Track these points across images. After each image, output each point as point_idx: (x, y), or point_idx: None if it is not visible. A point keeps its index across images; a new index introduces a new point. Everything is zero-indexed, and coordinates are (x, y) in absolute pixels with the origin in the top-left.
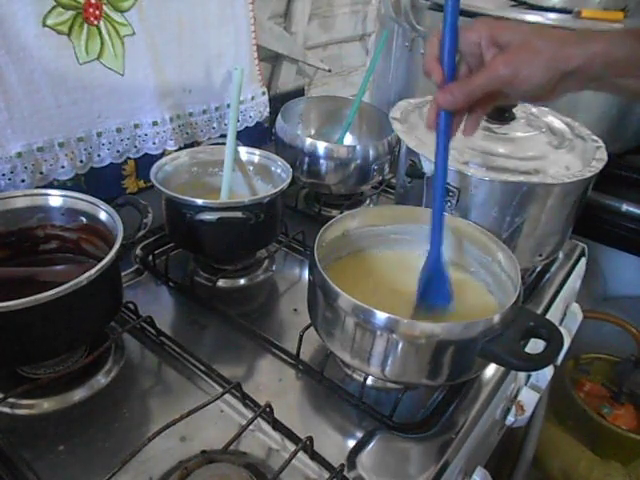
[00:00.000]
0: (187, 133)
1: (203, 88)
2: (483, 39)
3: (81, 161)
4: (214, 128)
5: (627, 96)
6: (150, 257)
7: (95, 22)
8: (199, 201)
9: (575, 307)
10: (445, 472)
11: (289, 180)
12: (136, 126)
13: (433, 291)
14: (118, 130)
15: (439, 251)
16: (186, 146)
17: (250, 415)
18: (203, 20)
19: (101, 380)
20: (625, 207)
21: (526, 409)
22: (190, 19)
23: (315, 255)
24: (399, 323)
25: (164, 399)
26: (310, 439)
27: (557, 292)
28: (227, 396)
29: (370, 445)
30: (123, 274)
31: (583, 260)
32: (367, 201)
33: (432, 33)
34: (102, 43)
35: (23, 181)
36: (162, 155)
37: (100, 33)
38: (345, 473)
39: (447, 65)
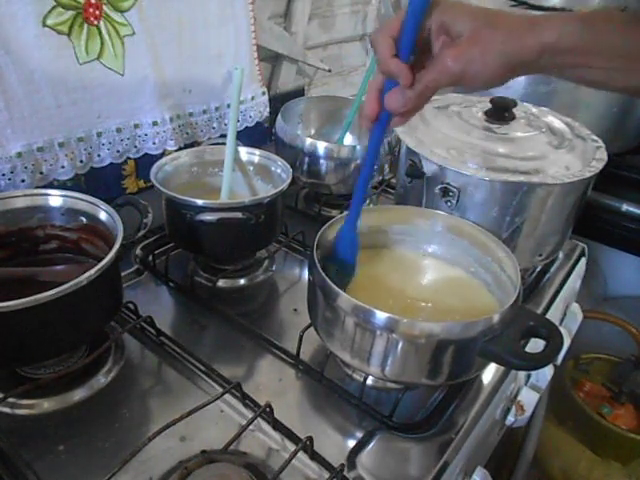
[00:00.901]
0: (187, 133)
1: (203, 88)
2: (433, 24)
3: (81, 161)
4: (214, 128)
5: (585, 85)
6: (150, 257)
7: (95, 22)
8: (199, 201)
9: (575, 307)
10: (445, 472)
11: (289, 180)
12: (136, 126)
13: (343, 249)
14: (118, 130)
15: (353, 224)
16: (186, 146)
17: (250, 415)
18: (203, 20)
19: (101, 380)
20: (625, 207)
21: (526, 409)
22: (190, 19)
23: (315, 255)
24: (399, 323)
25: (164, 399)
26: (310, 439)
27: (557, 292)
28: (227, 396)
29: (370, 445)
30: (123, 274)
31: (583, 260)
32: (367, 201)
33: (382, 28)
34: (102, 43)
35: (23, 181)
36: (162, 155)
37: (100, 33)
38: (345, 473)
39: (405, 43)
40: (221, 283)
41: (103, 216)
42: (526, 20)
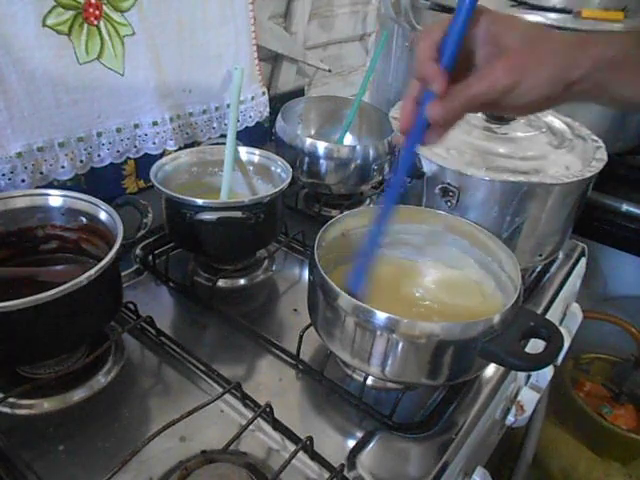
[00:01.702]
0: (187, 133)
1: (203, 88)
2: (481, 33)
3: (81, 161)
4: (214, 128)
5: (620, 106)
6: (150, 257)
7: (95, 22)
8: (199, 201)
9: (575, 307)
10: (445, 472)
11: (289, 180)
12: (136, 126)
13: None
14: (118, 130)
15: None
16: (186, 146)
17: (250, 415)
18: (203, 20)
19: (101, 380)
20: (625, 207)
21: (526, 409)
22: (190, 19)
23: (315, 255)
24: (399, 323)
25: (164, 399)
26: (310, 439)
27: (557, 292)
28: (227, 396)
29: (370, 445)
30: (123, 274)
31: (583, 260)
32: (367, 201)
33: (426, 31)
34: (102, 43)
35: (23, 181)
36: (162, 155)
37: (100, 33)
38: (345, 473)
39: (446, 66)
40: (221, 283)
41: (103, 216)
42: (577, 37)
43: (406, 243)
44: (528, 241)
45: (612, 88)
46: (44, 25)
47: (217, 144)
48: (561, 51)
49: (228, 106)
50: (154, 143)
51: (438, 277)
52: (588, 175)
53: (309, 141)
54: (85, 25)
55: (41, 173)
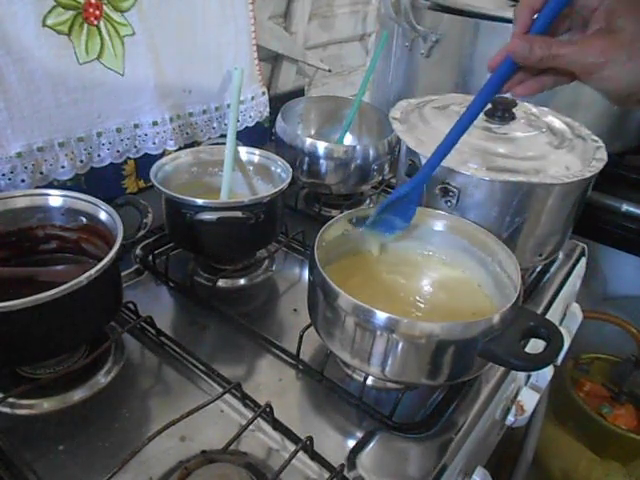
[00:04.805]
0: (187, 133)
1: (203, 88)
2: (602, 6)
3: (81, 161)
4: (214, 128)
5: None
6: (150, 257)
7: (95, 22)
8: (199, 201)
9: (575, 307)
10: (445, 472)
11: (289, 180)
12: (136, 126)
13: (400, 209)
14: (118, 130)
15: (428, 176)
16: (186, 146)
17: (250, 415)
18: (203, 20)
19: (101, 380)
20: (625, 207)
21: (526, 409)
22: (190, 19)
23: (315, 255)
24: (399, 323)
25: (164, 399)
26: (310, 439)
27: (557, 292)
28: (227, 396)
29: (370, 445)
30: (123, 274)
31: (583, 260)
32: (367, 201)
33: None
34: (102, 43)
35: (23, 181)
36: (162, 155)
37: (100, 33)
38: (345, 473)
39: (547, 15)
40: (221, 283)
41: (103, 216)
42: None
43: (406, 243)
44: (528, 241)
45: None
46: (44, 25)
47: (217, 144)
48: None
49: (228, 106)
50: (154, 143)
51: (438, 277)
52: (588, 175)
53: (309, 141)
54: (85, 25)
55: (41, 173)
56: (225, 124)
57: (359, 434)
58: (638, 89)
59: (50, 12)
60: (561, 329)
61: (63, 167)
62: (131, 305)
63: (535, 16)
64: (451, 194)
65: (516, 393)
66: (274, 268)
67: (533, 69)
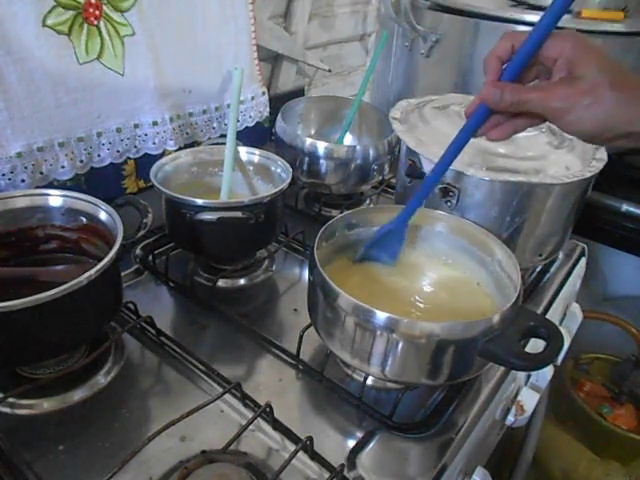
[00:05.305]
0: (187, 133)
1: (203, 88)
2: (561, 58)
3: (81, 161)
4: (214, 128)
5: None
6: (150, 257)
7: (95, 22)
8: (199, 201)
9: (575, 307)
10: (445, 472)
11: (289, 180)
12: (136, 126)
13: (387, 244)
14: (118, 130)
15: (411, 213)
16: (186, 146)
17: (250, 415)
18: (203, 20)
19: (101, 380)
20: (625, 207)
21: (526, 409)
22: (190, 19)
23: (315, 255)
24: (399, 323)
25: (164, 399)
26: (310, 439)
27: (557, 292)
28: (227, 396)
29: (370, 445)
30: (123, 274)
31: (583, 260)
32: (367, 201)
33: (508, 33)
34: (102, 43)
35: (23, 181)
36: (162, 155)
37: (100, 33)
38: (345, 473)
39: (515, 65)
40: (221, 283)
41: (103, 216)
42: None
43: (406, 243)
44: (528, 241)
45: None
46: (44, 25)
47: (217, 144)
48: (627, 103)
49: (228, 106)
50: (154, 143)
51: (438, 277)
52: (588, 175)
53: (309, 141)
54: (85, 25)
55: (41, 173)
56: (225, 124)
57: (359, 434)
58: (602, 131)
59: (50, 12)
60: (561, 329)
61: (63, 167)
62: (131, 305)
63: (504, 66)
64: (451, 194)
65: (516, 393)
66: (274, 268)
67: (507, 112)
